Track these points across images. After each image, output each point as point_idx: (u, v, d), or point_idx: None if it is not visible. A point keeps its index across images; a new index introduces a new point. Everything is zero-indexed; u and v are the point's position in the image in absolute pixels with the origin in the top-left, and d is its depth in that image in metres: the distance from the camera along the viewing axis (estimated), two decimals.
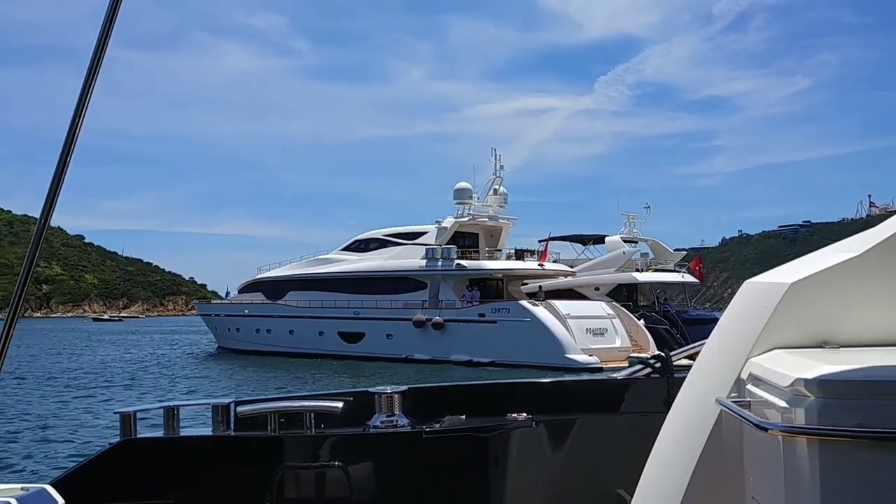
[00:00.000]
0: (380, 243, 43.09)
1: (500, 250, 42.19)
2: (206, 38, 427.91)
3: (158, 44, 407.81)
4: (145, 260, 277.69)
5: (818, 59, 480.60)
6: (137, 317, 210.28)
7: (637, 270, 42.69)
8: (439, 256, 39.37)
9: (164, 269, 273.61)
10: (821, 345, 1.91)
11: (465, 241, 42.35)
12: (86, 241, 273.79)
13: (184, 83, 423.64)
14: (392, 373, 33.83)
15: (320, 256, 45.60)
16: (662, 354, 3.01)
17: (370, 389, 2.63)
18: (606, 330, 37.24)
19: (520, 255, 40.93)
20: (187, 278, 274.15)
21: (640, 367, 3.12)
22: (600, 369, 34.09)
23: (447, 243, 40.65)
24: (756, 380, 1.84)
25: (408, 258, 40.95)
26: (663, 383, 2.98)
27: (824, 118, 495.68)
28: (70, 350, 53.11)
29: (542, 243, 44.15)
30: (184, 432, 2.69)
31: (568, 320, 36.06)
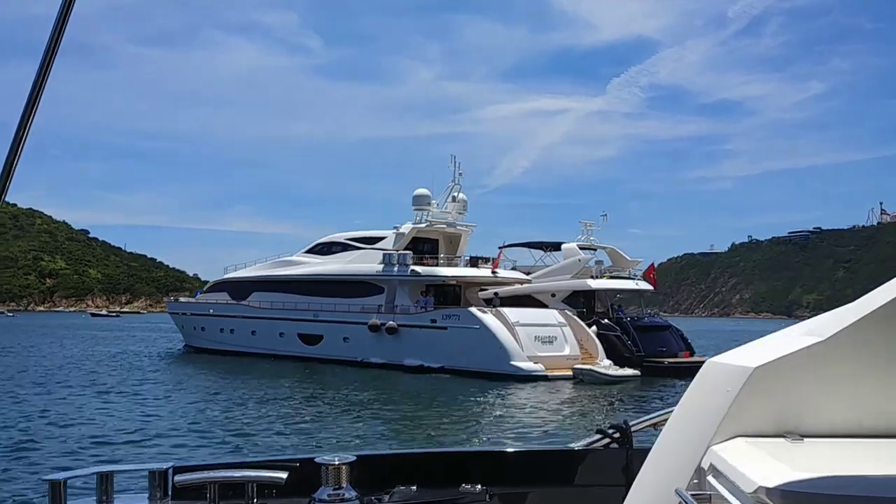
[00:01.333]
0: (342, 247, 43.72)
1: (459, 257, 42.69)
2: (217, 34, 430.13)
3: (168, 40, 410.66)
4: (149, 256, 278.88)
5: (832, 64, 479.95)
6: (140, 312, 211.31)
7: (592, 277, 43.15)
8: (395, 262, 39.98)
9: (168, 266, 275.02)
10: (784, 433, 1.86)
11: (425, 247, 42.94)
12: (90, 235, 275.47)
13: (193, 80, 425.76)
14: (346, 377, 34.40)
15: (285, 258, 46.28)
16: (622, 425, 2.87)
17: (316, 459, 2.46)
18: (556, 338, 37.73)
19: (474, 262, 41.43)
20: (191, 275, 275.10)
21: (598, 437, 2.95)
22: (545, 377, 34.68)
23: (406, 248, 41.26)
24: (717, 473, 1.78)
25: (367, 263, 41.56)
26: (622, 454, 2.85)
27: (837, 124, 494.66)
28: (41, 346, 53.86)
29: (500, 249, 44.84)
30: (118, 500, 2.49)
31: (517, 328, 36.58)
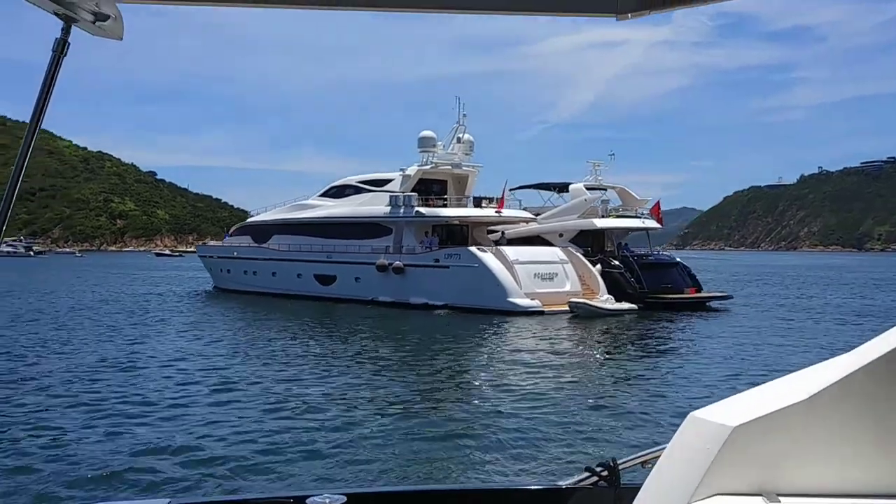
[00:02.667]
0: (354, 189, 44.91)
1: (467, 197, 43.50)
2: None
3: None
4: (214, 196, 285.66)
5: None
6: None
7: (598, 217, 43.60)
8: (401, 204, 41.03)
9: (231, 206, 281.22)
10: (762, 492, 1.88)
11: (434, 188, 43.86)
12: (157, 177, 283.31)
13: (253, 24, 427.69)
14: (358, 315, 36.07)
15: (301, 202, 47.78)
16: (610, 463, 2.85)
17: (307, 501, 2.51)
18: (556, 274, 38.57)
19: (478, 202, 42.15)
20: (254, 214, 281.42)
21: (586, 474, 2.93)
22: (542, 312, 35.71)
23: (415, 190, 42.26)
24: None
25: (376, 205, 42.75)
26: (611, 494, 2.84)
27: None
28: (90, 285, 56.99)
29: (512, 192, 45.61)
30: None
31: (516, 266, 37.49)
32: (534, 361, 22.30)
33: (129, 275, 77.24)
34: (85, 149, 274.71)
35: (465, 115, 42.64)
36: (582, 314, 35.37)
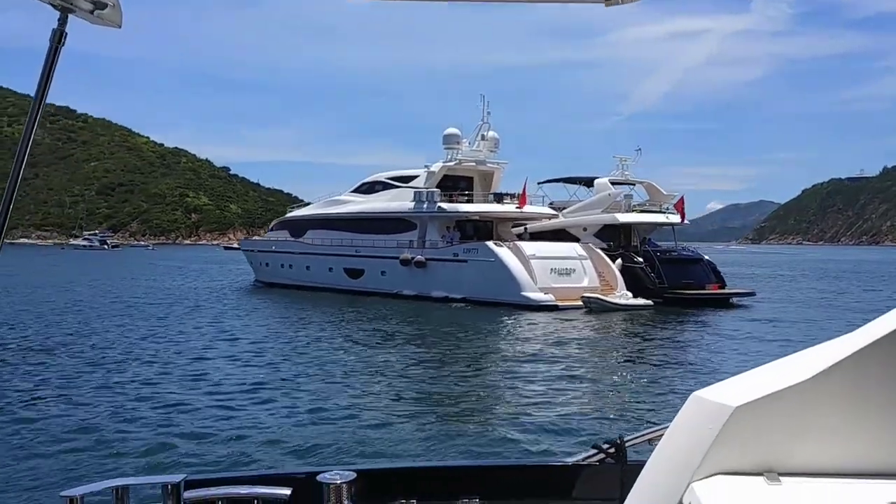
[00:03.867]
0: (382, 186, 46.15)
1: (493, 193, 44.27)
2: None
3: None
4: (285, 191, 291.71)
5: None
6: None
7: (622, 211, 43.80)
8: (425, 199, 42.06)
9: (302, 200, 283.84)
10: (763, 472, 1.90)
11: (460, 184, 44.78)
12: (231, 172, 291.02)
13: (331, 14, 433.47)
14: (382, 307, 37.30)
15: (335, 197, 49.30)
16: (617, 441, 2.90)
17: (318, 478, 2.58)
18: (574, 270, 39.06)
19: (499, 198, 42.84)
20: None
21: (593, 451, 2.98)
22: (556, 307, 36.31)
23: (441, 186, 43.25)
24: None
25: (403, 201, 43.89)
26: (617, 469, 2.90)
27: None
28: (145, 277, 59.81)
29: (540, 185, 46.26)
30: None
31: (532, 261, 38.11)
32: (535, 352, 23.12)
33: (186, 268, 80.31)
34: (162, 145, 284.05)
35: (489, 113, 43.49)
36: (595, 309, 35.82)
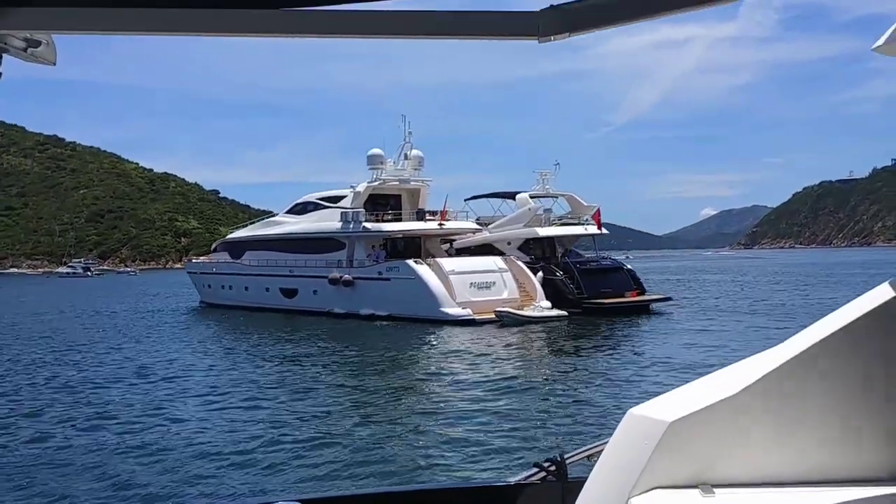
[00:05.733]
0: (314, 206, 47.19)
1: (416, 211, 45.23)
2: None
3: None
4: (275, 211, 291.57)
5: None
6: None
7: (540, 225, 44.84)
8: (350, 219, 43.12)
9: None
10: (699, 483, 1.96)
11: (390, 202, 45.79)
12: (220, 195, 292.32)
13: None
14: (312, 327, 38.24)
15: (271, 219, 50.44)
16: (557, 458, 2.93)
17: None
18: (494, 283, 40.01)
19: (421, 215, 43.87)
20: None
21: (534, 470, 3.00)
22: (473, 321, 37.22)
23: (368, 205, 44.27)
24: None
25: (333, 221, 44.92)
26: (558, 487, 2.92)
27: None
28: (106, 301, 60.75)
29: (467, 202, 47.40)
30: None
31: (451, 276, 39.05)
32: (454, 371, 23.48)
33: (149, 292, 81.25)
34: (150, 170, 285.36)
35: (410, 133, 44.54)
36: (507, 322, 36.73)
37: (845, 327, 2.09)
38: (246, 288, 49.10)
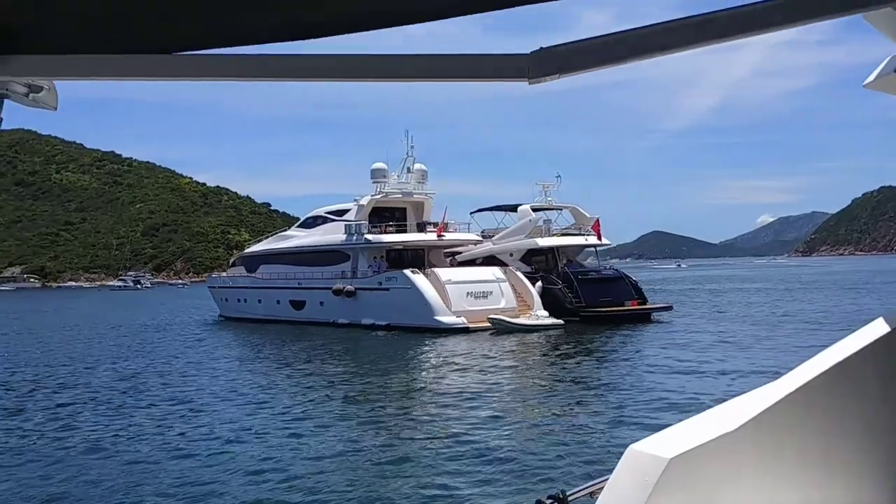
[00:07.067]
0: (322, 220, 48.39)
1: (425, 223, 46.02)
2: None
3: None
4: None
5: None
6: None
7: (541, 236, 45.19)
8: (353, 232, 44.11)
9: None
10: None
11: (395, 214, 46.69)
12: (271, 207, 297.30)
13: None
14: (317, 337, 39.24)
15: (283, 233, 51.74)
16: (559, 495, 2.86)
17: None
18: (491, 292, 40.56)
19: (422, 227, 44.60)
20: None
21: None
22: (467, 329, 37.82)
23: (373, 218, 45.24)
24: None
25: (339, 234, 45.98)
26: None
27: None
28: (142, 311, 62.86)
29: (472, 214, 48.20)
30: None
31: (447, 286, 39.74)
32: (450, 382, 23.43)
33: (186, 303, 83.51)
34: (204, 184, 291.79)
35: (412, 147, 45.40)
36: (500, 330, 37.21)
37: (841, 363, 2.14)
38: (259, 301, 50.40)
